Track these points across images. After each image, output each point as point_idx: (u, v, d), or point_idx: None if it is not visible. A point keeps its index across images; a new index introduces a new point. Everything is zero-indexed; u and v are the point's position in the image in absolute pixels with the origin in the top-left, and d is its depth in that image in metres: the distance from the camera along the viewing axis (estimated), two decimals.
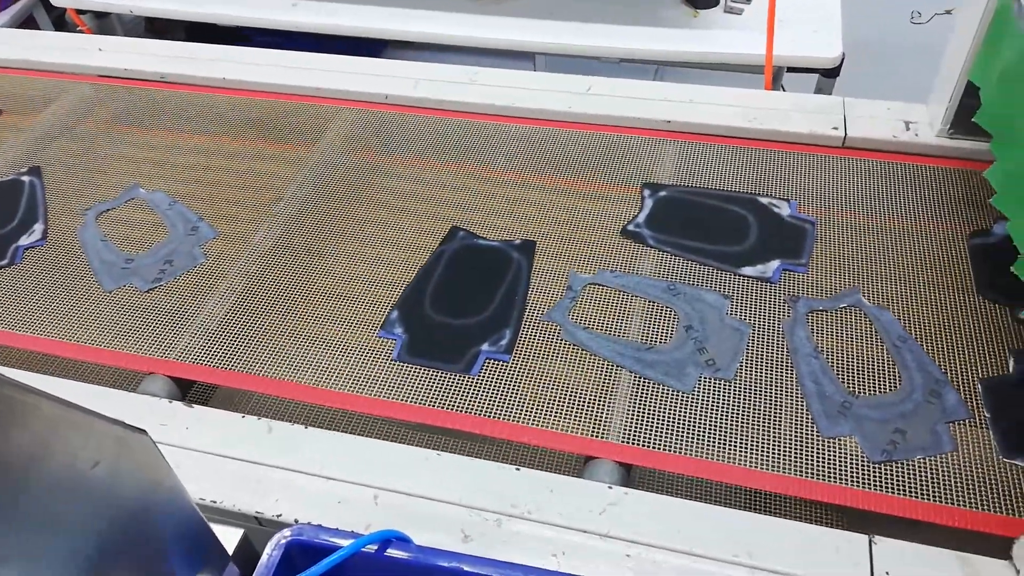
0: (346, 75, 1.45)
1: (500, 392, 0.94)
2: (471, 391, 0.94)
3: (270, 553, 0.62)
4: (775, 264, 1.04)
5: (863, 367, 0.93)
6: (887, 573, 0.74)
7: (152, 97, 1.46)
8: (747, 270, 1.04)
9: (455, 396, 0.94)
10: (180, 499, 0.60)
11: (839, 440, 0.86)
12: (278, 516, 0.83)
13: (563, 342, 0.99)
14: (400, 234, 1.16)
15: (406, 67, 1.47)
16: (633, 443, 0.88)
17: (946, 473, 0.83)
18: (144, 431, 0.53)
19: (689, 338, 0.97)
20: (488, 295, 1.05)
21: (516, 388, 0.94)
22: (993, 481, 0.82)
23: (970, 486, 0.82)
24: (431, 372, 0.97)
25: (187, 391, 1.00)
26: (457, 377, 0.96)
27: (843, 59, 1.58)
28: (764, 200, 1.14)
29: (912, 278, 1.02)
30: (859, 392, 0.90)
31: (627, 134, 1.29)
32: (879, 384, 0.91)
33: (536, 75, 1.45)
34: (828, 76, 1.62)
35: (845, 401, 0.89)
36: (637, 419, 0.90)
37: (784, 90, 1.53)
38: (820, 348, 0.95)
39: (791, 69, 1.62)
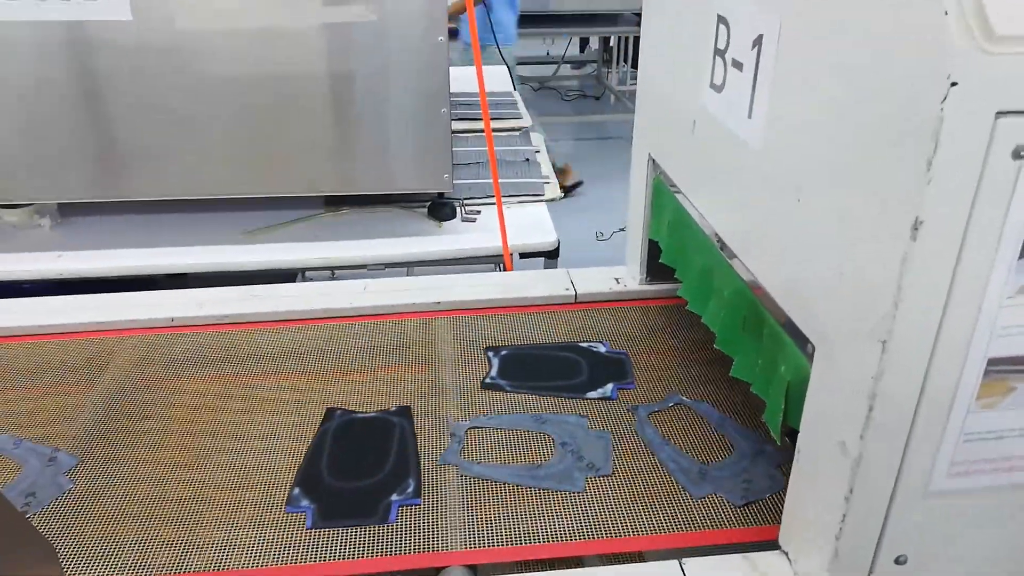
0: (129, 307, 1.51)
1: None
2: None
3: None
4: (610, 386, 1.31)
5: (704, 444, 1.20)
6: None
7: None
8: (591, 394, 1.29)
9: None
10: None
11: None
12: None
13: (462, 477, 1.13)
14: (273, 429, 1.23)
15: (187, 294, 1.57)
16: (475, 545, 1.02)
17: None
18: None
19: (567, 452, 1.17)
20: (382, 456, 1.16)
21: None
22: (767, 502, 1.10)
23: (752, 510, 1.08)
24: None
25: None
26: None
27: (558, 244, 1.99)
28: (584, 344, 1.41)
29: (711, 378, 1.34)
30: (709, 461, 1.16)
31: (406, 319, 1.51)
32: (718, 453, 1.18)
33: (315, 284, 1.63)
34: (551, 257, 2.01)
35: (701, 470, 1.14)
36: (477, 521, 1.05)
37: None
38: (667, 437, 1.20)
39: (523, 255, 1.98)
